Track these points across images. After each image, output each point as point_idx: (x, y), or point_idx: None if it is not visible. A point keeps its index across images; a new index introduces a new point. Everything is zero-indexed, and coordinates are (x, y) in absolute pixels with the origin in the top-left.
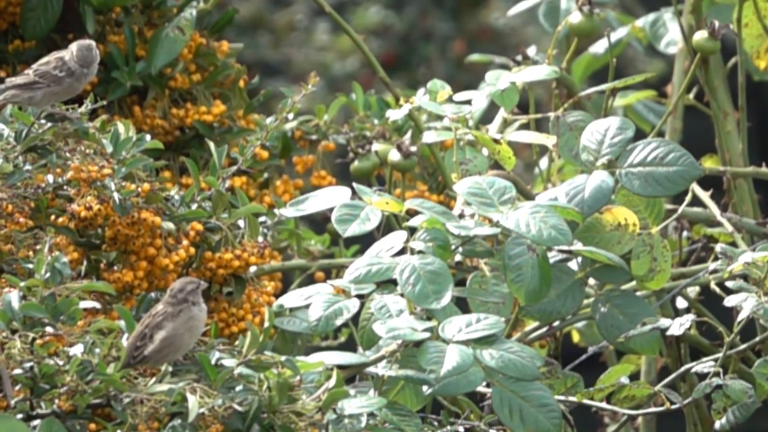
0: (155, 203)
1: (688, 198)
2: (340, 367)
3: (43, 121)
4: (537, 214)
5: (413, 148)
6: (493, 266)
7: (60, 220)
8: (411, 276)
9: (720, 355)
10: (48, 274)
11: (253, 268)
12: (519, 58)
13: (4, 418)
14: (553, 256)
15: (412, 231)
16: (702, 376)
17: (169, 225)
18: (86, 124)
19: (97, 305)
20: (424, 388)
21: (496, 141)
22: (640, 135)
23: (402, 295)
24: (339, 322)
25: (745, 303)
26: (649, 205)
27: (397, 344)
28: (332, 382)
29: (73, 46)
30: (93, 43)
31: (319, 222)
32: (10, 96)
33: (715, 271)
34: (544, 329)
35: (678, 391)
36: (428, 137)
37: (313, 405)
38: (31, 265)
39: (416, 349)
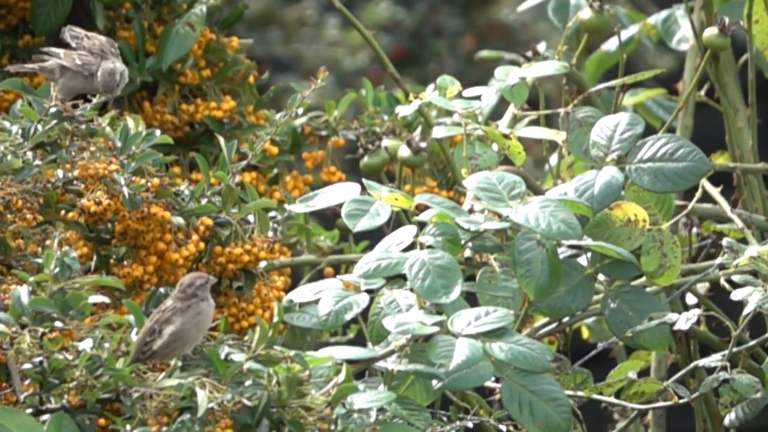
0: (165, 198)
1: (698, 194)
2: (350, 361)
3: (48, 117)
4: (546, 208)
5: (423, 144)
6: (502, 262)
7: (70, 215)
8: (420, 271)
9: (728, 351)
10: (57, 269)
11: (262, 263)
12: (529, 54)
13: (13, 412)
14: (563, 252)
15: (422, 226)
16: (711, 373)
17: (179, 220)
18: (93, 124)
19: (107, 300)
20: (434, 382)
21: (506, 136)
22: (650, 131)
23: (411, 289)
24: (348, 316)
25: (750, 297)
26: (659, 200)
27: (407, 339)
28: (341, 377)
29: (101, 70)
30: (117, 68)
31: (328, 218)
32: (50, 65)
33: (723, 267)
34: (554, 325)
35: (688, 388)
36: (438, 133)
37: (322, 400)
38: (40, 261)
39: (425, 343)
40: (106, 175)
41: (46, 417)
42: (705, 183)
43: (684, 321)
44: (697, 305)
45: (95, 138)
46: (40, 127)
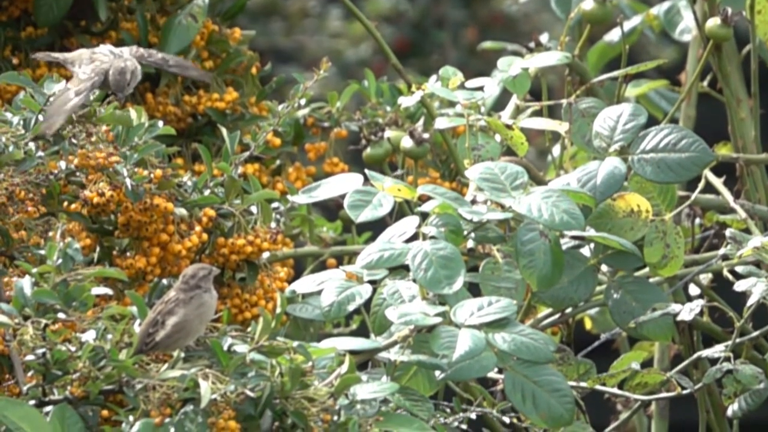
0: (168, 189)
1: (701, 185)
2: (353, 352)
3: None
4: (549, 198)
5: (426, 135)
6: (505, 252)
7: (72, 206)
8: (423, 261)
9: (731, 341)
10: (60, 261)
11: (265, 254)
12: (532, 45)
13: (16, 404)
14: (566, 243)
15: (424, 217)
16: (715, 363)
17: (182, 211)
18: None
19: (110, 291)
20: (437, 373)
21: (509, 127)
22: (653, 122)
23: (414, 280)
24: (351, 307)
25: (754, 288)
26: (662, 191)
27: (409, 330)
28: (344, 368)
29: (112, 69)
30: (128, 67)
31: (331, 209)
32: (72, 57)
33: (726, 257)
34: (557, 316)
35: (691, 378)
36: (440, 123)
37: (325, 390)
38: (43, 252)
39: (428, 334)
40: (106, 166)
41: (49, 408)
42: (708, 173)
43: (687, 312)
44: (700, 296)
45: (98, 125)
46: (41, 118)
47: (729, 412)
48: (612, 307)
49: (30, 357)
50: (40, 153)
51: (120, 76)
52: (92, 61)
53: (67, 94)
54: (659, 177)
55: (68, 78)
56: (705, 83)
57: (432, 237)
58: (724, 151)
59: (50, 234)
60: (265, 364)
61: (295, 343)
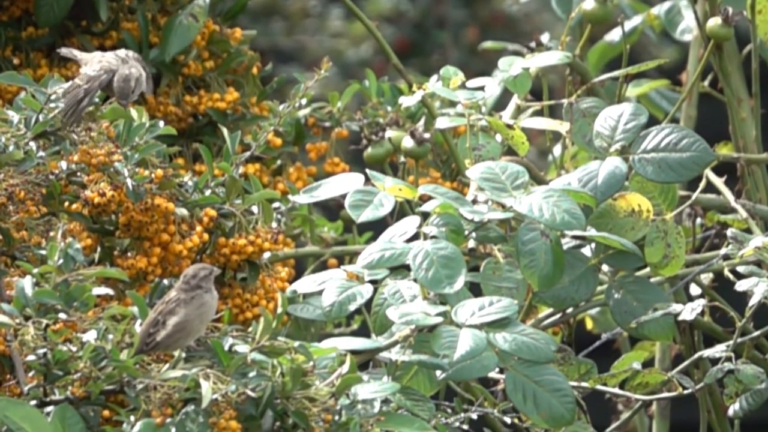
0: (169, 189)
1: (702, 184)
2: (354, 352)
3: (53, 105)
4: (550, 198)
5: (426, 135)
6: (506, 252)
7: (73, 206)
8: (424, 261)
9: (732, 341)
10: (61, 261)
11: (266, 254)
12: (532, 44)
13: (17, 404)
14: (567, 243)
15: (425, 216)
16: (716, 363)
17: (183, 211)
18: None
19: (111, 292)
20: (438, 373)
21: (510, 127)
22: (653, 122)
23: (415, 280)
24: (352, 307)
25: (756, 288)
26: (663, 191)
27: (410, 329)
28: (345, 368)
29: (117, 75)
30: (132, 74)
31: (332, 209)
32: (85, 56)
33: (727, 257)
34: (558, 315)
35: (692, 378)
36: (441, 123)
37: (326, 390)
38: (44, 252)
39: (429, 334)
40: (107, 164)
41: (50, 409)
42: (709, 173)
43: (688, 311)
44: (701, 296)
45: (99, 122)
46: (42, 117)
47: (730, 412)
48: (613, 307)
49: (31, 357)
50: (41, 153)
51: (124, 83)
52: (100, 62)
53: (77, 92)
54: (660, 177)
55: (69, 78)
56: (706, 83)
57: (433, 237)
58: (725, 150)
59: (51, 234)
60: (267, 364)
61: (296, 343)
